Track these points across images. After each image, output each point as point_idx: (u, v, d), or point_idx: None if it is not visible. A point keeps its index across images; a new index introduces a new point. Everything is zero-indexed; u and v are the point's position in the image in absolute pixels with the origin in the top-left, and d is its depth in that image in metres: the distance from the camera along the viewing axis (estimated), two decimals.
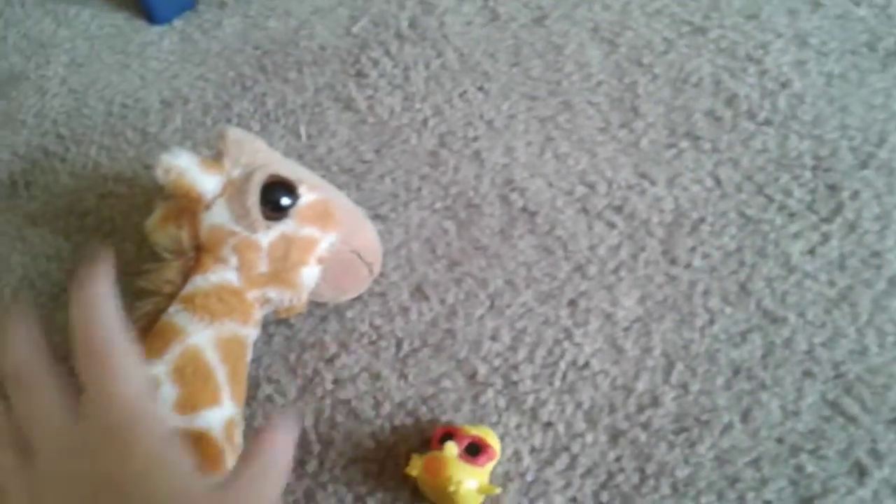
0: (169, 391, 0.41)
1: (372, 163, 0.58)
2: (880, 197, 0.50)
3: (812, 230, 0.50)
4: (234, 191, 0.44)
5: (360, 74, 0.63)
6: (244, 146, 0.46)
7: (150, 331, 0.44)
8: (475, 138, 0.58)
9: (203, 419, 0.40)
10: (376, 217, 0.55)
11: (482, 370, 0.48)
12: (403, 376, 0.48)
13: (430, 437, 0.44)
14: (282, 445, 0.33)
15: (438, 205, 0.55)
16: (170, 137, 0.62)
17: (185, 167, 0.43)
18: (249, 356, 0.45)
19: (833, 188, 0.51)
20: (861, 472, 0.42)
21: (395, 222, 0.54)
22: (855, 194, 0.51)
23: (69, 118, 0.66)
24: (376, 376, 0.48)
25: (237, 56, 0.67)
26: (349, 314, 0.51)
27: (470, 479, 0.40)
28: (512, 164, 0.56)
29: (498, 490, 0.42)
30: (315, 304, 0.50)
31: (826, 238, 0.49)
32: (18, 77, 0.70)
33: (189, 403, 0.40)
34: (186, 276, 0.45)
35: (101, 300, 0.30)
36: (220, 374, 0.42)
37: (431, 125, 0.59)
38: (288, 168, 0.46)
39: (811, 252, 0.49)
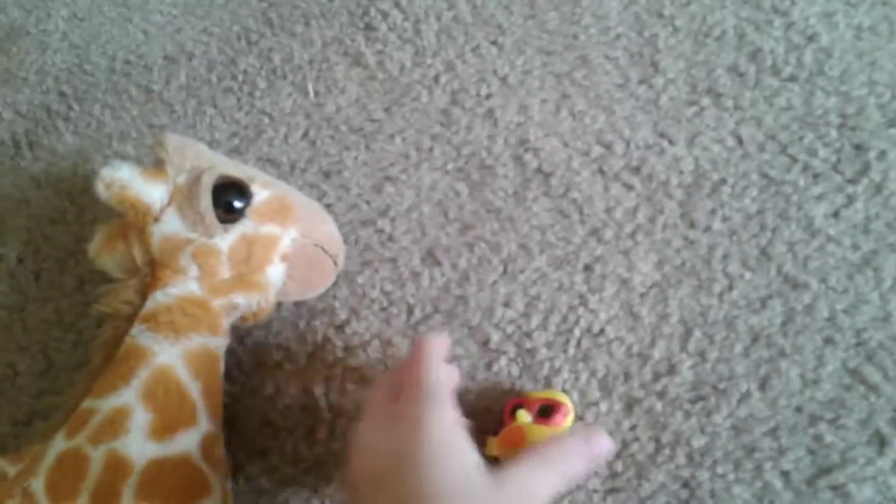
0: (142, 417, 0.38)
1: (382, 122, 0.56)
2: None
3: (836, 192, 0.48)
4: (183, 197, 0.42)
5: (369, 27, 0.61)
6: (186, 150, 0.44)
7: (114, 356, 0.41)
8: (488, 96, 0.56)
9: (179, 443, 0.38)
10: (386, 179, 0.53)
11: (495, 337, 0.47)
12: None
13: (501, 416, 0.44)
14: (574, 449, 0.34)
15: (450, 166, 0.53)
16: (174, 95, 0.61)
17: (128, 179, 0.40)
18: (222, 368, 0.43)
19: (859, 148, 0.49)
20: (881, 442, 0.41)
21: (405, 184, 0.53)
22: (882, 154, 0.49)
23: (71, 75, 0.64)
24: (387, 343, 0.48)
25: (242, 8, 0.65)
26: (359, 280, 0.50)
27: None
28: (526, 123, 0.54)
29: None
30: None
31: (851, 200, 0.48)
32: (19, 32, 0.68)
33: (165, 427, 0.38)
34: (144, 294, 0.42)
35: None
36: (194, 391, 0.40)
37: (443, 82, 0.57)
38: (235, 167, 0.44)
39: (835, 215, 0.48)
